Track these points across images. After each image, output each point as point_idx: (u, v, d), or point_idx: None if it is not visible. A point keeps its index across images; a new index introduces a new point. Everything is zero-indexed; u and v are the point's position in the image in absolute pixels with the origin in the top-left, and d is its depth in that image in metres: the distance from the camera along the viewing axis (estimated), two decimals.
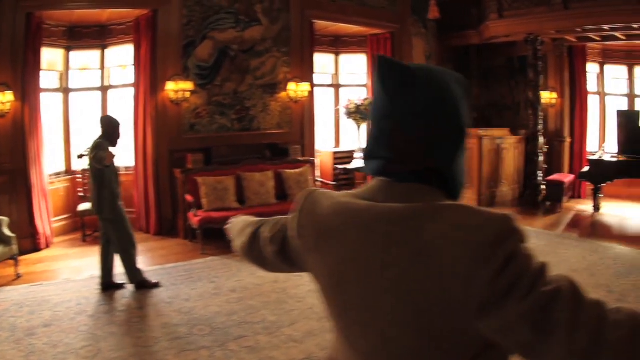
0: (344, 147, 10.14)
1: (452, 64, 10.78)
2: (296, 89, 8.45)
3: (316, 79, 9.88)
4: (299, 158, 8.36)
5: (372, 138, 1.07)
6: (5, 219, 5.89)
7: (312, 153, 8.86)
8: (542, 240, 7.20)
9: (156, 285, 5.52)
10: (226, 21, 7.88)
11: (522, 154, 9.80)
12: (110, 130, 5.40)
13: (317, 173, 8.90)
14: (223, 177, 7.26)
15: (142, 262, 5.96)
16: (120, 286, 5.47)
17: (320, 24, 9.25)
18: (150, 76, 7.48)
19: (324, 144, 10.15)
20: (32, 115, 6.83)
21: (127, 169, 7.98)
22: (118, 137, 5.47)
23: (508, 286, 0.87)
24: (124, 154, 7.56)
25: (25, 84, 6.73)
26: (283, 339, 4.29)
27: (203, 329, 4.48)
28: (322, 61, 10.19)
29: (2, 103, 6.46)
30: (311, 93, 8.72)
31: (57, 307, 4.92)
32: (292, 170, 7.84)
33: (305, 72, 8.66)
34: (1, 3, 6.44)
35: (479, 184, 9.07)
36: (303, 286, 5.31)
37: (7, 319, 4.64)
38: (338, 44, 10.34)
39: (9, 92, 6.51)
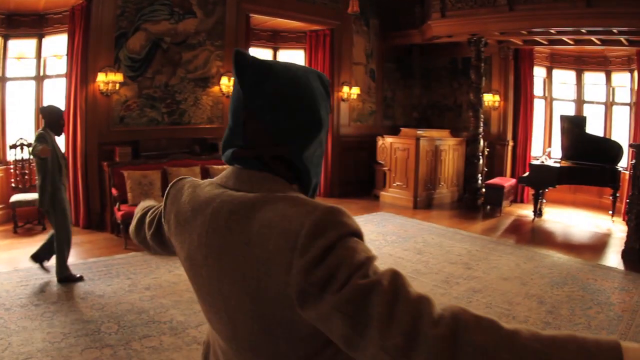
0: None
1: (394, 63, 11.71)
2: (228, 84, 9.29)
3: None
4: None
5: (229, 129, 1.20)
6: None
7: None
8: (475, 245, 7.59)
9: (80, 279, 6.03)
10: (160, 12, 8.73)
11: (462, 157, 10.65)
12: (52, 119, 5.88)
13: None
14: (149, 171, 8.00)
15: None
16: (79, 279, 6.05)
17: (258, 18, 10.21)
18: (81, 67, 8.29)
19: None
20: None
21: None
22: (61, 126, 5.97)
23: (324, 278, 0.94)
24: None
25: None
26: (187, 340, 4.66)
27: (111, 326, 4.90)
28: (260, 56, 10.73)
29: None
30: None
31: None
32: (220, 166, 8.52)
33: None
34: None
35: (414, 185, 9.93)
36: None
37: None
38: (277, 39, 11.29)
39: None
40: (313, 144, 1.18)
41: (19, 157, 8.67)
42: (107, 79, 8.19)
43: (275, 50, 11.21)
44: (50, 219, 6.05)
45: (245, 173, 1.17)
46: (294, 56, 11.29)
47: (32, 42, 9.02)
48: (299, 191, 1.18)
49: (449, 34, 10.23)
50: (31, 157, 5.89)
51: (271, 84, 1.14)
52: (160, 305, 5.38)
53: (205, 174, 8.39)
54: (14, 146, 8.68)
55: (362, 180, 11.19)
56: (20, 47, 9.05)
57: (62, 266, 5.97)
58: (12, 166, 8.66)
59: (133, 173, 7.84)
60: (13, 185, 8.57)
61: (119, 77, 8.29)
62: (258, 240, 1.03)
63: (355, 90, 10.86)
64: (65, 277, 5.97)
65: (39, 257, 6.10)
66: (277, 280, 0.99)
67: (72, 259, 6.56)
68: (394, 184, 10.21)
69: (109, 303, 5.45)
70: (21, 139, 8.74)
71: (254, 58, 1.17)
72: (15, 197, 8.23)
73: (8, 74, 8.91)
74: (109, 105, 8.36)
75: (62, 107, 6.39)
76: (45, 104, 8.74)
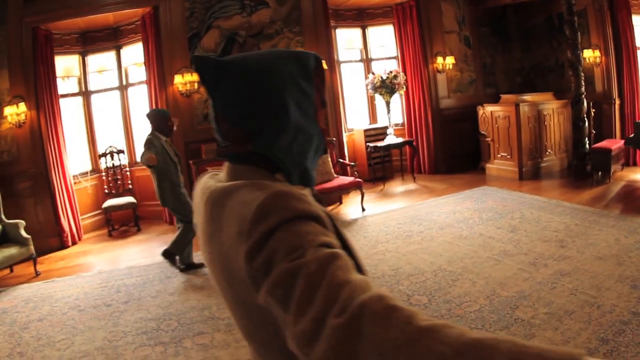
0: (382, 123, 10.60)
1: (488, 27, 10.87)
2: None
3: (344, 55, 10.38)
4: None
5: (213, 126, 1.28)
6: (21, 221, 7.11)
7: (338, 132, 9.46)
8: (575, 218, 6.82)
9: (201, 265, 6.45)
10: (231, 8, 8.76)
11: (568, 120, 9.60)
12: (158, 122, 6.16)
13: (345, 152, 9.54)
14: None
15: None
16: (199, 266, 6.47)
17: None
18: (157, 71, 8.55)
19: (358, 122, 10.81)
20: (48, 121, 8.07)
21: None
22: (169, 127, 6.21)
23: (264, 263, 0.94)
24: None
25: (39, 93, 8.05)
26: (238, 337, 4.58)
27: (171, 324, 5.06)
28: (348, 36, 10.76)
29: (18, 114, 7.76)
30: (328, 70, 9.21)
31: (57, 303, 5.92)
32: None
33: (322, 50, 9.18)
34: (6, 22, 7.73)
35: (519, 155, 9.16)
36: None
37: (11, 314, 5.70)
38: (363, 17, 10.82)
39: (22, 103, 7.83)
40: (285, 133, 1.18)
41: (109, 165, 9.23)
42: (184, 80, 8.44)
43: (363, 28, 10.85)
44: (176, 215, 6.41)
45: (232, 167, 1.24)
46: (383, 32, 10.87)
47: (111, 55, 9.46)
48: (284, 180, 1.21)
49: None
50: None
51: (228, 82, 1.18)
52: (222, 302, 5.50)
53: None
54: (104, 154, 9.25)
55: (468, 153, 10.60)
56: (100, 61, 9.49)
57: (179, 251, 6.37)
58: (104, 173, 9.23)
59: (218, 169, 8.06)
60: (106, 191, 9.17)
61: (195, 77, 8.41)
62: (225, 226, 1.07)
63: (450, 60, 10.25)
64: (188, 265, 6.43)
65: (189, 265, 6.49)
66: (236, 266, 1.01)
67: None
68: (499, 155, 9.56)
69: (177, 300, 5.61)
70: (110, 147, 9.29)
71: (210, 59, 1.19)
72: (108, 203, 8.79)
73: (91, 88, 9.48)
74: (190, 104, 8.64)
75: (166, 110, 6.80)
76: (131, 111, 9.30)
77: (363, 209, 8.22)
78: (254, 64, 1.19)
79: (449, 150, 10.47)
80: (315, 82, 1.25)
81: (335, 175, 8.43)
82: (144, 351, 4.52)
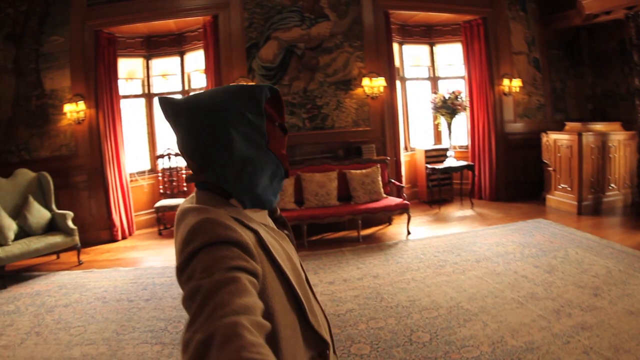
0: (446, 144, 10.31)
1: (560, 49, 10.39)
2: (371, 85, 8.99)
3: (410, 72, 10.38)
4: (374, 157, 8.88)
5: None
6: (69, 213, 7.62)
7: (395, 151, 9.36)
8: (621, 263, 6.17)
9: None
10: (290, 20, 8.87)
11: (635, 153, 8.93)
12: None
13: (403, 172, 9.43)
14: None
15: None
16: None
17: (403, 14, 9.74)
18: (215, 79, 8.85)
19: (423, 141, 10.67)
20: (107, 120, 8.61)
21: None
22: None
23: (186, 278, 1.10)
24: None
25: (99, 93, 8.56)
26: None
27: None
28: (416, 53, 10.65)
29: (77, 112, 8.34)
30: (388, 88, 9.18)
31: (86, 292, 6.35)
32: (358, 171, 8.39)
33: (383, 66, 9.16)
34: (70, 24, 8.45)
35: (578, 187, 8.62)
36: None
37: (43, 297, 6.21)
38: (432, 34, 10.64)
39: (82, 101, 8.41)
40: (231, 164, 1.34)
41: (166, 166, 9.66)
42: None
43: (431, 45, 10.70)
44: None
45: (197, 192, 1.41)
46: (451, 50, 10.68)
47: (175, 60, 9.91)
48: (238, 205, 1.38)
49: (603, 10, 8.81)
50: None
51: (184, 120, 1.35)
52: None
53: (342, 179, 8.33)
54: (161, 156, 9.68)
55: (532, 181, 10.14)
56: (165, 65, 9.98)
57: None
58: (160, 174, 9.63)
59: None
60: (161, 191, 9.58)
61: None
62: (176, 244, 1.26)
63: (517, 83, 9.87)
64: None
65: None
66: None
67: None
68: (559, 186, 9.00)
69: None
70: (168, 149, 9.70)
71: (170, 100, 1.39)
72: (160, 202, 9.17)
73: (155, 90, 10.00)
74: None
75: None
76: None
77: (408, 233, 8.06)
78: (205, 102, 1.35)
79: (512, 177, 10.08)
80: (268, 113, 1.42)
81: (384, 195, 8.34)
82: (143, 348, 4.72)
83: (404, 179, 9.47)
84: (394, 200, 8.14)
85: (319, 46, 9.00)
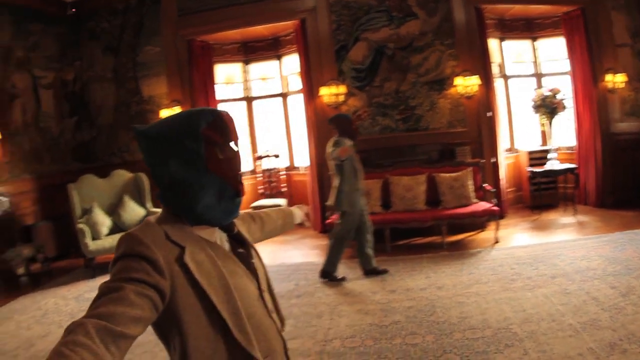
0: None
1: None
2: (465, 84, 8.71)
3: (513, 69, 10.08)
4: (466, 160, 8.63)
5: None
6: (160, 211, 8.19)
7: (494, 153, 9.00)
8: None
9: (385, 272, 6.71)
10: (378, 20, 8.83)
11: None
12: (344, 126, 6.44)
13: (502, 176, 9.03)
14: (369, 180, 7.85)
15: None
16: (383, 272, 6.74)
17: (500, 8, 9.36)
18: (306, 82, 9.05)
19: (527, 142, 10.19)
20: None
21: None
22: (354, 130, 6.47)
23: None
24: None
25: (194, 97, 9.22)
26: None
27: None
28: (518, 49, 10.18)
29: None
30: (483, 86, 8.86)
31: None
32: (447, 174, 8.18)
33: (476, 63, 8.85)
34: (162, 34, 9.26)
35: None
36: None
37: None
38: (533, 27, 10.05)
39: (178, 107, 9.10)
40: (170, 187, 1.55)
41: (265, 167, 10.06)
42: (329, 92, 8.73)
43: (533, 40, 10.12)
44: (342, 218, 6.56)
45: (162, 207, 1.63)
46: (554, 44, 9.99)
47: (274, 63, 10.30)
48: (185, 220, 1.58)
49: None
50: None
51: (142, 147, 1.59)
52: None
53: (431, 183, 8.16)
54: (260, 157, 10.08)
55: None
56: (263, 68, 10.44)
57: (330, 263, 6.63)
58: (259, 175, 10.04)
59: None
60: (261, 191, 9.99)
61: (342, 89, 8.75)
62: None
63: (621, 78, 9.04)
64: (326, 274, 6.64)
65: (370, 270, 6.75)
66: None
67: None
68: None
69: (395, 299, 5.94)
70: (267, 151, 10.08)
71: (138, 130, 1.59)
72: (256, 203, 9.56)
73: (255, 94, 10.50)
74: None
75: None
76: (290, 118, 10.11)
77: (496, 241, 7.68)
78: (152, 131, 1.56)
79: (619, 181, 9.26)
80: (207, 137, 1.55)
81: (474, 200, 8.06)
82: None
83: (503, 182, 9.05)
84: (482, 206, 7.86)
85: (409, 45, 8.88)
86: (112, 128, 9.64)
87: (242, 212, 1.90)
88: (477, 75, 8.75)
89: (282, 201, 9.71)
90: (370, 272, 6.71)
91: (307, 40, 9.02)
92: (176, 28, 9.17)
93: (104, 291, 1.30)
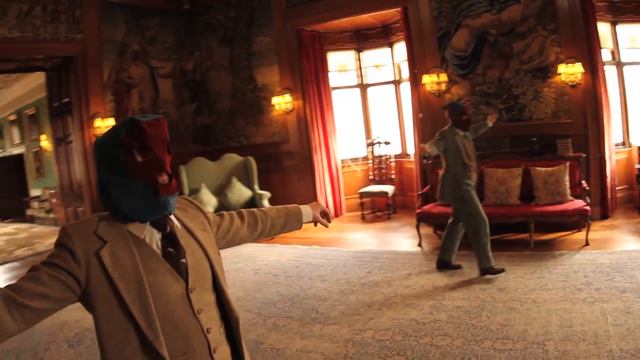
0: None
1: None
2: (568, 72, 8.29)
3: (627, 55, 9.47)
4: (567, 154, 8.25)
5: None
6: (267, 193, 9.43)
7: (600, 148, 8.49)
8: None
9: (501, 271, 6.23)
10: (479, 5, 8.74)
11: None
12: (455, 116, 6.40)
13: (608, 172, 8.50)
14: None
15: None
16: (456, 267, 6.66)
17: None
18: (410, 70, 9.33)
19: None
20: (313, 110, 10.10)
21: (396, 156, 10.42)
22: (465, 121, 6.38)
23: None
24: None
25: (304, 85, 10.08)
26: (315, 329, 5.40)
27: (279, 303, 6.06)
28: (633, 33, 9.38)
29: (285, 103, 10.10)
30: (588, 74, 8.35)
31: (250, 262, 7.84)
32: (543, 169, 7.85)
33: (581, 49, 8.34)
34: (273, 25, 10.25)
35: None
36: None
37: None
38: None
39: (288, 94, 10.07)
40: (101, 189, 1.83)
41: (377, 154, 10.50)
42: (431, 80, 8.89)
43: None
44: (456, 212, 6.54)
45: None
46: None
47: (386, 51, 10.72)
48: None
49: None
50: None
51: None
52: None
53: (527, 176, 7.90)
54: (371, 144, 10.54)
55: None
56: (376, 56, 10.87)
57: (481, 256, 6.26)
58: (370, 161, 10.53)
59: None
60: (371, 177, 10.50)
61: (443, 77, 8.86)
62: None
63: None
64: (486, 270, 6.22)
65: (442, 263, 6.70)
66: None
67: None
68: None
69: (315, 287, 6.59)
70: (378, 137, 10.48)
71: (95, 142, 1.88)
72: (365, 189, 10.12)
73: (369, 81, 11.04)
74: (441, 105, 8.51)
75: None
76: (403, 106, 10.40)
77: (586, 243, 7.15)
78: (95, 142, 1.85)
79: None
80: (127, 145, 1.74)
81: (570, 197, 7.67)
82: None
83: (609, 179, 8.48)
84: (574, 205, 7.40)
85: (511, 31, 8.65)
86: (230, 113, 10.78)
87: (236, 211, 2.30)
88: (580, 63, 8.26)
89: (389, 188, 10.07)
90: (444, 265, 6.62)
91: (409, 28, 9.24)
92: (285, 19, 9.98)
93: (29, 270, 1.62)
